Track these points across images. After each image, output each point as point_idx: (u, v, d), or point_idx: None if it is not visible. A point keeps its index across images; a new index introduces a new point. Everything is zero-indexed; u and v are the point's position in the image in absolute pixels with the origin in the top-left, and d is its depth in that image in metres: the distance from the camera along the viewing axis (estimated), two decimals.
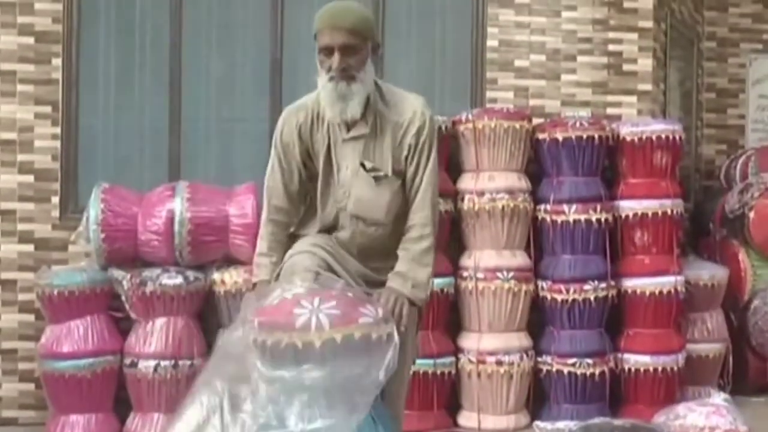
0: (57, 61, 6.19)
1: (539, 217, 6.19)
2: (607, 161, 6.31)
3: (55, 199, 6.17)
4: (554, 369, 6.04)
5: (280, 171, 3.36)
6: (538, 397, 6.18)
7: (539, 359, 6.13)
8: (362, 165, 3.28)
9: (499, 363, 5.97)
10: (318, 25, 3.25)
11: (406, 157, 3.33)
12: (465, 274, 6.09)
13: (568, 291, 6.02)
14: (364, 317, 2.63)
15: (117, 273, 5.76)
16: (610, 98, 6.66)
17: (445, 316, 6.08)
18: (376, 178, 3.29)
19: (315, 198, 3.40)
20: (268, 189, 3.40)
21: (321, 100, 3.28)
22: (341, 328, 2.57)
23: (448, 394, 6.07)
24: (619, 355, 6.14)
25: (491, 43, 6.60)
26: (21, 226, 6.12)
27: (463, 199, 6.14)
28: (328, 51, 3.20)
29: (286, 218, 3.41)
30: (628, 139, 6.20)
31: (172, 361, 5.63)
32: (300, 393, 2.58)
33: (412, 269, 3.22)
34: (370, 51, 3.30)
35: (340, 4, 3.35)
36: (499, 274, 6.00)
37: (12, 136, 6.13)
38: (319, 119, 3.33)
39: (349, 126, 3.29)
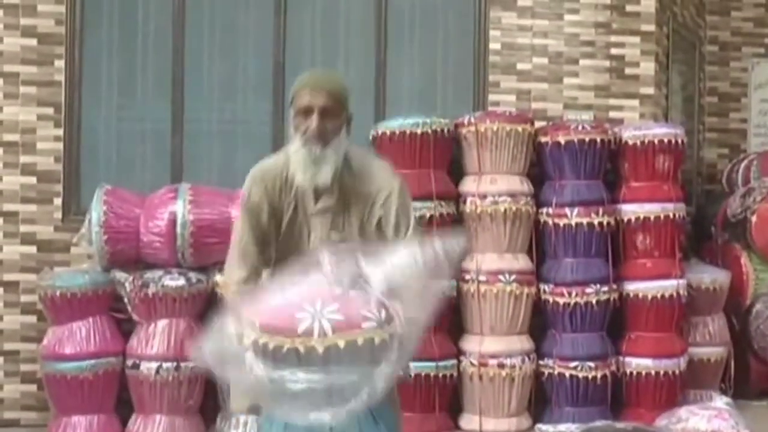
0: (60, 63, 6.20)
1: (541, 221, 6.19)
2: (609, 165, 6.31)
3: (58, 201, 6.18)
4: (556, 372, 6.04)
5: (252, 232, 3.26)
6: (539, 400, 6.17)
7: (541, 362, 6.12)
8: (330, 237, 3.25)
9: (501, 366, 5.97)
10: (297, 86, 3.22)
11: (378, 225, 3.27)
12: (467, 276, 6.09)
13: (570, 294, 6.02)
14: (367, 321, 2.60)
15: (119, 275, 5.77)
16: (612, 102, 6.67)
17: (447, 319, 6.07)
18: None
19: (269, 252, 3.33)
20: (242, 251, 3.27)
21: (291, 164, 3.20)
22: (344, 333, 2.56)
23: (449, 397, 6.07)
24: (621, 358, 6.13)
25: (493, 46, 6.61)
26: (23, 228, 6.13)
27: (465, 202, 6.13)
28: (306, 112, 3.14)
29: (259, 277, 3.39)
30: (631, 142, 6.21)
31: (174, 363, 5.63)
32: (302, 391, 2.59)
33: None
34: (345, 122, 3.25)
35: (321, 70, 3.33)
36: (501, 277, 6.00)
37: (15, 137, 6.14)
38: (288, 184, 3.25)
39: (316, 196, 3.24)
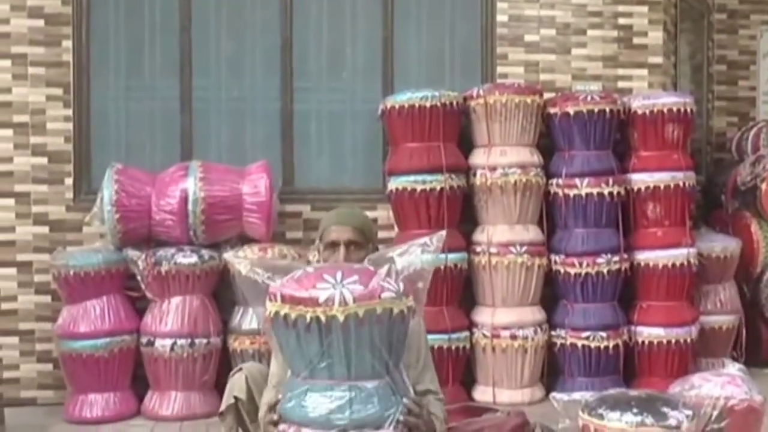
0: (67, 43, 6.19)
1: (551, 192, 6.19)
2: (618, 135, 6.30)
3: (69, 181, 6.19)
4: (568, 342, 6.07)
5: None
6: (552, 370, 6.21)
7: (553, 333, 6.15)
8: None
9: (514, 337, 6.00)
10: (325, 223, 3.48)
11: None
12: (478, 249, 6.11)
13: (581, 265, 6.04)
14: (386, 292, 2.70)
15: (132, 253, 5.81)
16: (620, 72, 6.65)
17: (459, 292, 6.10)
18: None
19: None
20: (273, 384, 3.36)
21: None
22: (364, 303, 2.65)
23: (463, 369, 6.09)
24: (633, 327, 6.15)
25: (501, 18, 6.59)
26: (35, 209, 6.15)
27: (475, 175, 6.14)
28: (333, 246, 3.39)
29: None
30: (640, 112, 6.20)
31: (189, 340, 5.68)
32: (325, 359, 2.67)
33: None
34: (370, 253, 3.39)
35: (347, 208, 3.68)
36: (512, 249, 6.02)
37: (24, 118, 6.14)
38: None
39: None
